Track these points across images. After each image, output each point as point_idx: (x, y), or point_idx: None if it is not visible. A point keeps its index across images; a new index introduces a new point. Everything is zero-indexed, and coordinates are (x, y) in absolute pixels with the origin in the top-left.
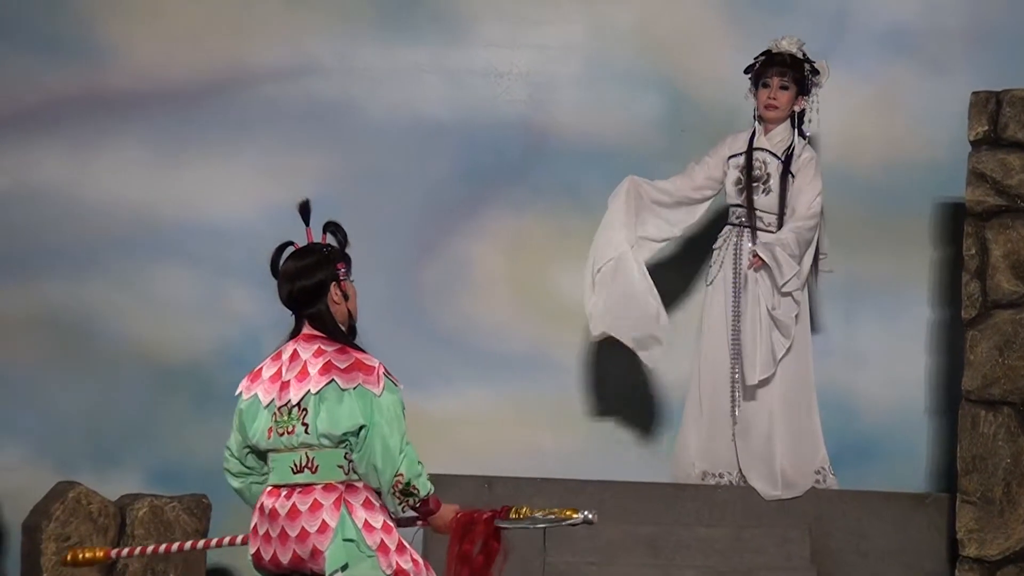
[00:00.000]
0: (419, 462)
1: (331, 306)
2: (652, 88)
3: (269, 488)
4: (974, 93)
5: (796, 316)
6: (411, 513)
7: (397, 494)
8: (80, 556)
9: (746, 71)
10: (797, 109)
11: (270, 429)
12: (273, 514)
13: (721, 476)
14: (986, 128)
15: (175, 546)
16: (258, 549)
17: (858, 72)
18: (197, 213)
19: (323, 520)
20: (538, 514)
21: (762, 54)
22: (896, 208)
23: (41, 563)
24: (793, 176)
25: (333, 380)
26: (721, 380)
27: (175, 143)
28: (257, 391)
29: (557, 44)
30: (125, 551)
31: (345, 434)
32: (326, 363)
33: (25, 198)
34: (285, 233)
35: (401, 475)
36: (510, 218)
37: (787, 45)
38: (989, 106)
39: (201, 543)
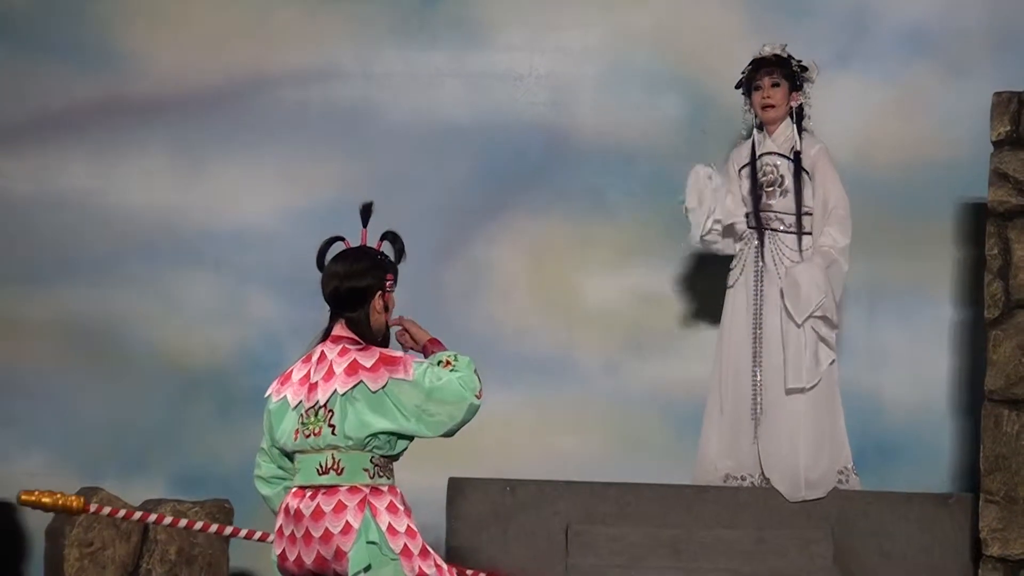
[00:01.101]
0: (465, 375)
1: (372, 314)
2: (672, 90)
3: (294, 489)
4: (996, 94)
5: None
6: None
7: (481, 393)
8: (43, 500)
9: (737, 87)
10: (794, 105)
11: (296, 431)
12: (298, 515)
13: (743, 479)
14: (1008, 128)
15: (167, 519)
16: (283, 550)
17: (879, 73)
18: (219, 218)
19: (347, 521)
20: None
21: (749, 64)
22: (918, 209)
23: (64, 569)
24: (808, 173)
25: (362, 382)
26: (743, 383)
27: (197, 149)
28: (286, 393)
29: (577, 47)
30: (107, 510)
31: (373, 435)
32: (351, 363)
33: (49, 204)
34: (306, 238)
35: (480, 390)
36: (531, 221)
37: (770, 50)
38: (1011, 106)
39: (214, 528)
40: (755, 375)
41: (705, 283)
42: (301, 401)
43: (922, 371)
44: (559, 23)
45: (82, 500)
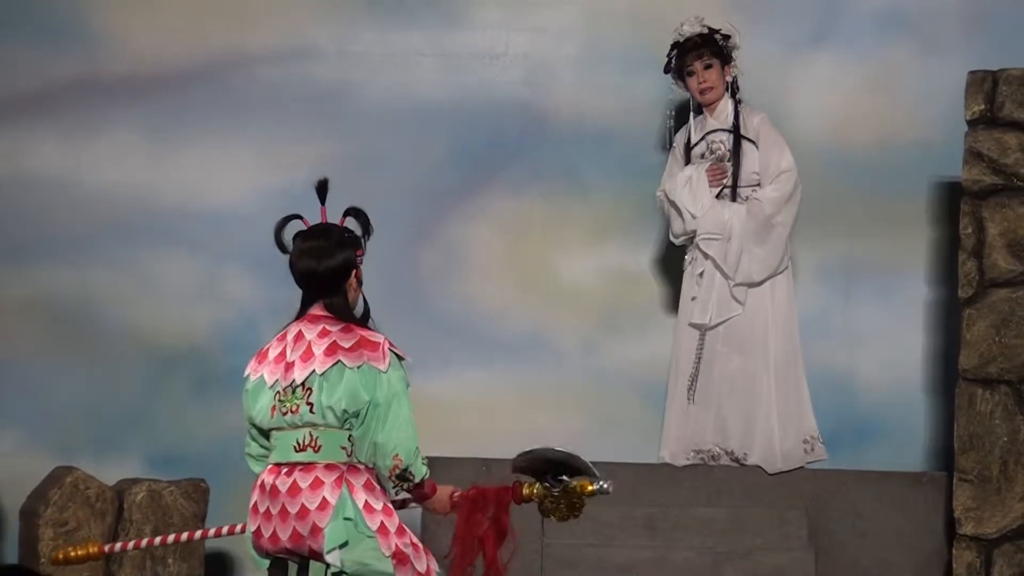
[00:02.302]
0: (417, 446)
1: (349, 292)
2: (650, 70)
3: (270, 466)
4: (970, 72)
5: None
6: (405, 495)
7: (393, 477)
8: (72, 554)
9: (665, 71)
10: (729, 79)
11: (273, 408)
12: (274, 491)
13: (714, 457)
14: (982, 107)
15: (171, 537)
16: (258, 527)
17: (854, 53)
18: (194, 198)
19: (324, 497)
20: (555, 492)
21: (671, 49)
22: (893, 188)
23: (39, 548)
24: (754, 143)
25: (339, 360)
26: (711, 358)
27: (172, 128)
28: (263, 372)
29: (554, 26)
30: (118, 546)
31: (349, 412)
32: (331, 344)
33: (22, 184)
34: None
35: (399, 459)
36: (508, 200)
37: (689, 29)
38: (985, 85)
39: (198, 533)
40: (699, 349)
41: (681, 262)
42: (277, 379)
43: (897, 350)
44: (536, 1)
45: (99, 544)
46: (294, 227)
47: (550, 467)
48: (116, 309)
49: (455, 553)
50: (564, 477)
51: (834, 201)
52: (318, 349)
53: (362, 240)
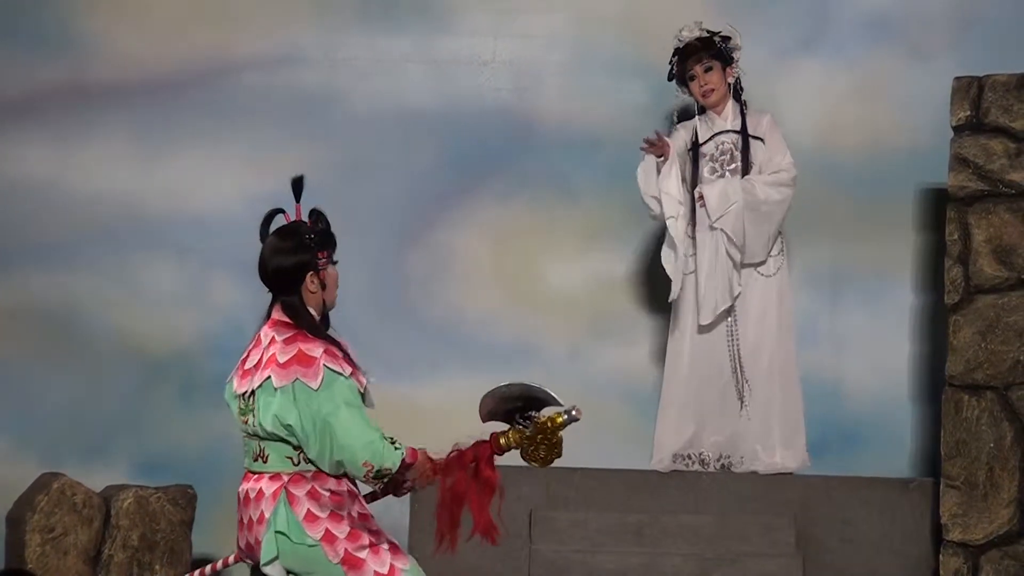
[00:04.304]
0: (379, 440)
1: (305, 294)
2: (637, 75)
3: (245, 472)
4: (956, 79)
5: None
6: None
7: (371, 480)
8: None
9: (669, 79)
10: (731, 80)
11: (240, 416)
12: (243, 499)
13: (704, 462)
14: (968, 113)
15: (220, 563)
16: (237, 536)
17: (840, 59)
18: (181, 204)
19: (261, 511)
20: (528, 432)
21: (672, 55)
22: (879, 194)
23: (25, 555)
24: (762, 140)
25: (269, 377)
26: (708, 364)
27: (159, 135)
28: (235, 378)
29: (541, 32)
30: None
31: (277, 432)
32: (270, 357)
33: (8, 190)
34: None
35: (369, 465)
36: (495, 207)
37: (688, 34)
38: (971, 91)
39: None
40: (733, 354)
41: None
42: (241, 387)
43: (883, 356)
44: (523, 7)
45: None
46: (279, 222)
47: (516, 405)
48: (103, 315)
49: (438, 515)
50: (532, 413)
51: (821, 207)
52: (266, 357)
53: (328, 242)
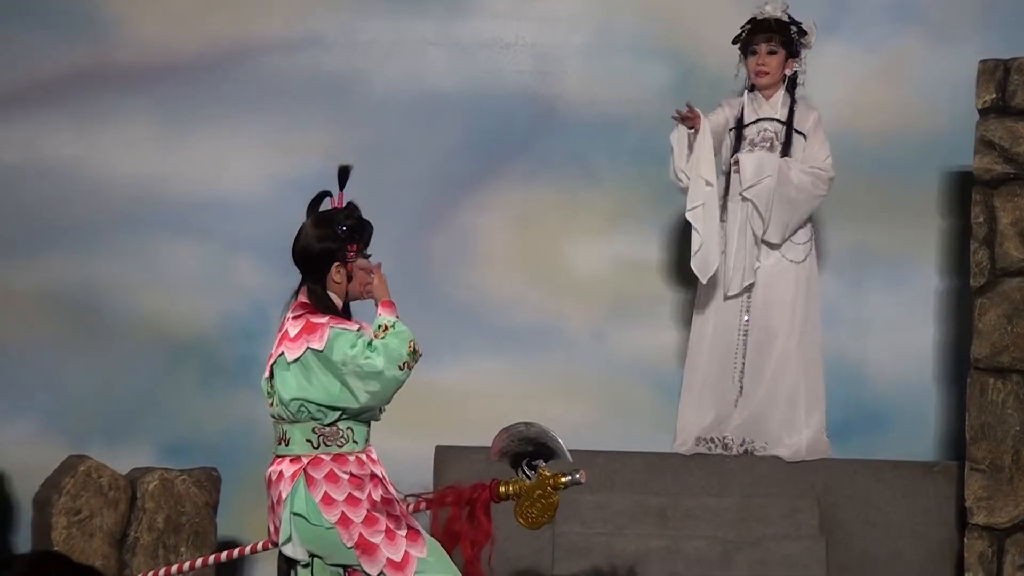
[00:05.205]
0: (390, 347)
1: (330, 282)
2: (659, 58)
3: (273, 456)
4: (981, 61)
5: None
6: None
7: (413, 365)
8: None
9: (734, 42)
10: (788, 72)
11: (267, 400)
12: (268, 482)
13: (727, 446)
14: (994, 96)
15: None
16: (268, 519)
17: (864, 42)
18: (203, 187)
19: (280, 491)
20: (529, 483)
21: (747, 22)
22: (904, 177)
23: (52, 537)
24: (804, 135)
25: (283, 352)
26: (732, 348)
27: (182, 117)
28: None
29: (563, 14)
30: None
31: (301, 405)
32: (283, 334)
33: (33, 174)
34: (291, 206)
35: (406, 362)
36: (517, 189)
37: (771, 10)
38: (997, 74)
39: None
40: (746, 339)
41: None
42: (267, 372)
43: (908, 340)
44: None
45: None
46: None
47: (527, 450)
48: (127, 298)
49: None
50: (539, 463)
51: (845, 190)
52: (279, 340)
53: (362, 236)
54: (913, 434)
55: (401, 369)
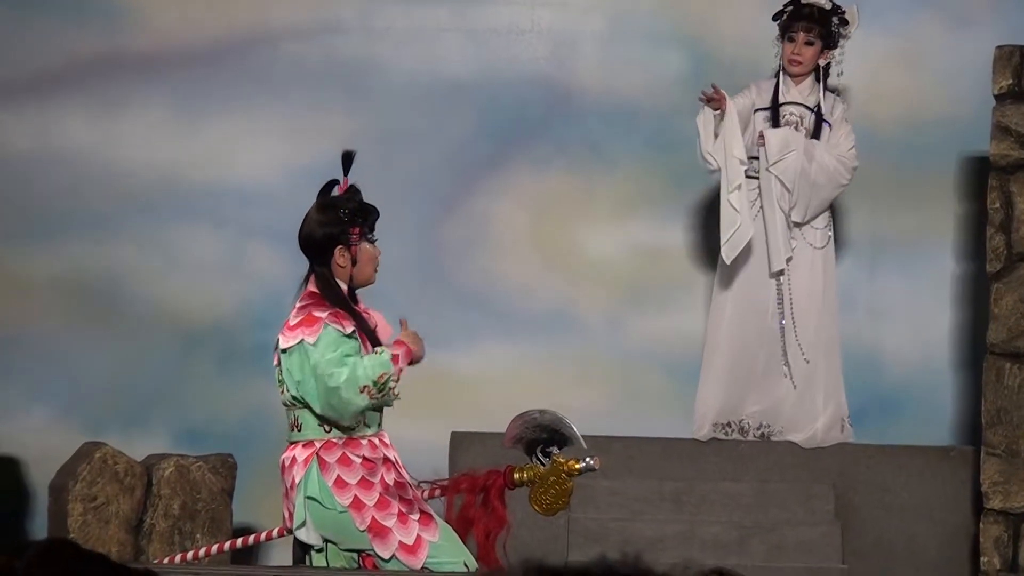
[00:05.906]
0: (356, 363)
1: (335, 267)
2: (675, 45)
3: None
4: (998, 47)
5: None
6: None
7: (377, 397)
8: None
9: (774, 18)
10: (822, 63)
11: (278, 387)
12: (281, 468)
13: (744, 431)
14: (1010, 82)
15: (214, 548)
16: (283, 506)
17: (882, 26)
18: (220, 174)
19: (293, 476)
20: (543, 470)
21: (790, 3)
22: (920, 163)
23: (68, 524)
24: (830, 125)
25: (278, 340)
26: (749, 329)
27: (198, 104)
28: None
29: (579, 1)
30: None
31: (295, 397)
32: (285, 323)
33: (49, 161)
34: (307, 193)
35: (368, 388)
36: (533, 176)
37: None
38: (1013, 60)
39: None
40: (781, 321)
41: (707, 236)
42: (276, 359)
43: (924, 325)
44: None
45: None
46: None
47: (541, 436)
48: (143, 285)
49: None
50: (553, 450)
51: (861, 176)
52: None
53: (367, 219)
54: (929, 419)
55: (360, 393)
